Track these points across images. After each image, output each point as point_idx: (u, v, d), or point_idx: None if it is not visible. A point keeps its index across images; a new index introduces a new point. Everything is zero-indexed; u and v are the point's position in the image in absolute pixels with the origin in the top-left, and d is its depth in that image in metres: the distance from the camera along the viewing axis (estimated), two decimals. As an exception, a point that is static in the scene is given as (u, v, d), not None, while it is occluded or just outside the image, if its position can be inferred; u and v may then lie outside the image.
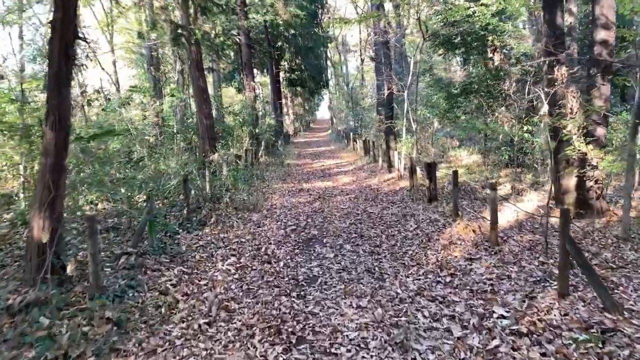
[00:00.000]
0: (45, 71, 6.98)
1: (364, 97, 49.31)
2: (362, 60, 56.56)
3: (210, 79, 29.67)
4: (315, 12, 27.72)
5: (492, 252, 6.14)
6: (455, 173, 7.92)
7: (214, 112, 20.69)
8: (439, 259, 6.02)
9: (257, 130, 18.39)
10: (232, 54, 29.64)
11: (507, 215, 8.18)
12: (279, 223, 8.54)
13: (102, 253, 5.82)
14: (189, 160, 11.37)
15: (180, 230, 7.48)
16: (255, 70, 35.34)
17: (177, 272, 5.64)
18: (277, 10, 20.29)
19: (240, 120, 18.52)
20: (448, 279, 5.31)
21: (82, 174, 8.30)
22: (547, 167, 12.21)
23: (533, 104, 13.17)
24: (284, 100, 50.26)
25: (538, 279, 5.09)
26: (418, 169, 11.45)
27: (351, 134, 26.90)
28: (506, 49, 12.64)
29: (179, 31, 11.39)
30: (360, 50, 55.19)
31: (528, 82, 13.11)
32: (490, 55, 12.97)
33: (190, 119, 17.28)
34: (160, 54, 22.71)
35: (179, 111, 17.16)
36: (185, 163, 10.79)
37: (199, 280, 5.47)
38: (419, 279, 5.37)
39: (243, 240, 7.36)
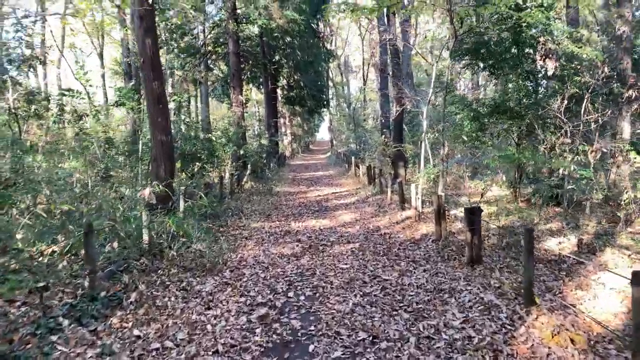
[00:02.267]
0: None
1: (366, 118, 46.75)
2: (365, 81, 54.22)
3: (197, 92, 26.87)
4: (315, 13, 24.90)
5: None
6: (529, 233, 4.82)
7: (197, 132, 17.78)
8: None
9: (241, 152, 15.38)
10: (224, 66, 26.96)
11: (607, 297, 5.10)
12: (242, 300, 5.44)
13: None
14: (130, 192, 8.36)
15: (66, 322, 4.38)
16: (250, 86, 32.69)
17: None
18: (271, 13, 17.52)
19: (223, 139, 15.54)
20: None
21: None
22: (618, 209, 9.17)
23: (589, 127, 10.22)
24: (282, 120, 47.55)
25: None
26: (446, 211, 8.40)
27: (353, 157, 23.94)
28: (558, 54, 9.77)
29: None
30: (363, 70, 52.90)
31: (585, 100, 10.20)
32: (540, 62, 10.10)
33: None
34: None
35: (133, 125, 14.17)
36: (120, 197, 7.77)
37: None
38: None
39: (168, 345, 4.25)
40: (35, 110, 11.28)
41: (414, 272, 6.40)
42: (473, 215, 6.50)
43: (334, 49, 34.51)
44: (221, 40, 22.32)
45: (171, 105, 21.30)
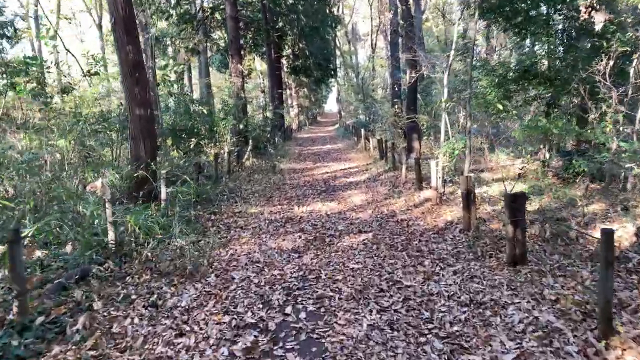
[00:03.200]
0: None
1: (375, 88, 44.93)
2: (374, 49, 52.23)
3: (195, 62, 25.36)
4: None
5: None
6: (608, 238, 3.51)
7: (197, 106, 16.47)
8: None
9: (241, 126, 14.08)
10: (224, 34, 25.35)
11: None
12: (226, 320, 4.24)
13: None
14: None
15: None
16: (253, 56, 31.10)
17: None
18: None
19: (221, 113, 14.21)
20: None
21: None
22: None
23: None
24: (288, 92, 45.86)
25: None
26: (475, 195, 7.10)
27: (362, 129, 22.53)
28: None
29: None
30: (372, 38, 50.80)
31: (635, 61, 8.71)
32: (584, 14, 8.58)
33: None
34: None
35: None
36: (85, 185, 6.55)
37: None
38: None
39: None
40: (10, 82, 10.00)
41: (443, 276, 5.16)
42: (516, 203, 5.20)
43: (340, 15, 32.50)
44: (219, 4, 20.69)
45: (172, 77, 20.00)
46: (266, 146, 16.90)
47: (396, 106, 24.31)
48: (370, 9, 49.07)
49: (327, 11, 27.75)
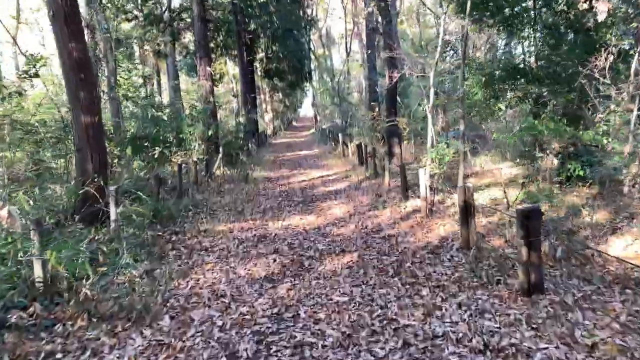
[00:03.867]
0: None
1: (350, 92, 44.26)
2: (348, 52, 51.75)
3: (163, 65, 24.13)
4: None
5: None
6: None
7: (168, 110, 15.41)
8: None
9: (210, 132, 13.04)
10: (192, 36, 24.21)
11: None
12: (177, 386, 3.29)
13: None
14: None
15: None
16: (225, 59, 30.03)
17: None
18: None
19: (187, 119, 13.14)
20: None
21: None
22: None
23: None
24: (262, 96, 44.83)
25: None
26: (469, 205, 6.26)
27: (340, 134, 21.71)
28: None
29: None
30: (346, 41, 50.27)
31: (637, 55, 8.08)
32: (582, 3, 7.87)
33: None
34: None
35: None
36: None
37: None
38: None
39: None
40: None
41: (446, 310, 4.29)
42: (530, 220, 4.38)
43: (315, 17, 31.71)
44: (187, 4, 19.62)
45: (140, 81, 18.80)
46: (238, 154, 15.89)
47: (374, 110, 23.65)
48: (344, 12, 48.60)
49: (301, 12, 26.95)
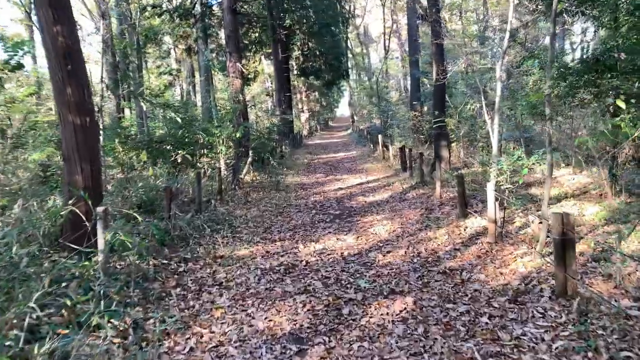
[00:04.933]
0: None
1: (388, 92, 42.50)
2: (387, 51, 50.11)
3: (195, 63, 23.18)
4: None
5: None
6: None
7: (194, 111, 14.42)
8: None
9: (237, 134, 11.81)
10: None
11: None
12: None
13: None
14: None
15: None
16: (259, 57, 28.96)
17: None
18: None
19: (215, 120, 11.94)
20: None
21: None
22: None
23: None
24: (298, 96, 43.70)
25: None
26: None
27: (379, 136, 20.16)
28: None
29: None
30: (384, 39, 48.61)
31: None
32: None
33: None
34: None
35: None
36: None
37: None
38: None
39: None
40: None
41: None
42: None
43: (353, 11, 30.03)
44: (217, -2, 18.57)
45: (168, 77, 17.86)
46: (270, 157, 14.62)
47: (417, 109, 21.95)
48: (383, 10, 46.92)
49: (339, 7, 25.52)
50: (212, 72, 20.34)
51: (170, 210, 6.70)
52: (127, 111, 18.19)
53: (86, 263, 4.71)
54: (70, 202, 5.02)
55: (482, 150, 13.11)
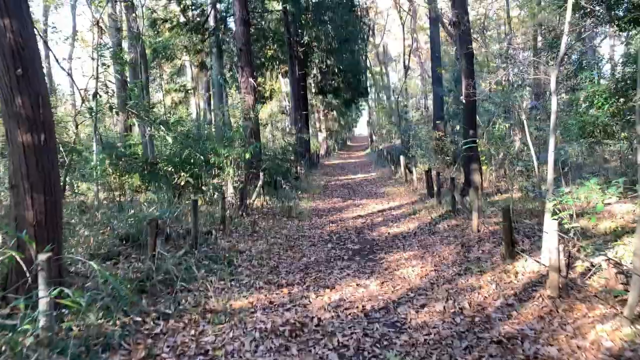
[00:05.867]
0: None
1: (407, 111, 41.30)
2: (406, 70, 49.15)
3: (203, 77, 22.31)
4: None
5: None
6: None
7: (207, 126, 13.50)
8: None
9: (247, 155, 10.70)
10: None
11: None
12: None
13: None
14: None
15: None
16: (277, 75, 28.12)
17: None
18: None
19: (224, 140, 10.84)
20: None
21: None
22: None
23: None
24: (316, 115, 42.77)
25: None
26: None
27: (401, 157, 18.88)
28: None
29: None
30: (405, 59, 47.70)
31: None
32: None
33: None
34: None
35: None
36: None
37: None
38: None
39: None
40: None
41: None
42: None
43: (372, 26, 28.90)
44: (230, 11, 17.69)
45: (179, 95, 16.98)
46: (287, 177, 13.48)
47: (440, 129, 20.64)
48: (403, 29, 46.07)
49: (358, 22, 24.57)
50: (226, 89, 19.43)
51: (156, 247, 5.51)
52: (136, 129, 17.32)
53: (27, 327, 3.54)
54: (12, 243, 3.86)
55: (520, 175, 11.72)
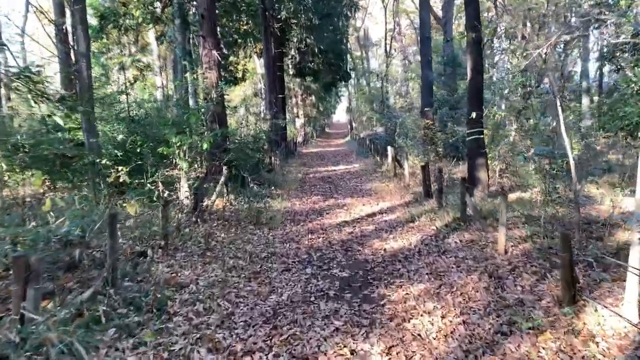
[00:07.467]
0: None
1: (389, 97, 39.32)
2: (388, 54, 47.10)
3: (160, 50, 19.70)
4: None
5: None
6: None
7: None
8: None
9: (204, 145, 8.49)
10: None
11: None
12: None
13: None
14: None
15: None
16: (251, 54, 25.68)
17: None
18: None
19: (169, 124, 8.60)
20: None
21: None
22: None
23: None
24: (293, 100, 40.32)
25: None
26: None
27: (389, 148, 16.83)
28: None
29: None
30: (386, 42, 45.56)
31: None
32: None
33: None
34: None
35: None
36: None
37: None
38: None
39: None
40: None
41: None
42: None
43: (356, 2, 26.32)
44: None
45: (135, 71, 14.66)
46: (254, 173, 11.30)
47: (429, 117, 18.63)
48: (385, 12, 43.94)
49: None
50: (192, 64, 16.97)
51: (25, 300, 3.33)
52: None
53: None
54: None
55: (535, 172, 9.77)
